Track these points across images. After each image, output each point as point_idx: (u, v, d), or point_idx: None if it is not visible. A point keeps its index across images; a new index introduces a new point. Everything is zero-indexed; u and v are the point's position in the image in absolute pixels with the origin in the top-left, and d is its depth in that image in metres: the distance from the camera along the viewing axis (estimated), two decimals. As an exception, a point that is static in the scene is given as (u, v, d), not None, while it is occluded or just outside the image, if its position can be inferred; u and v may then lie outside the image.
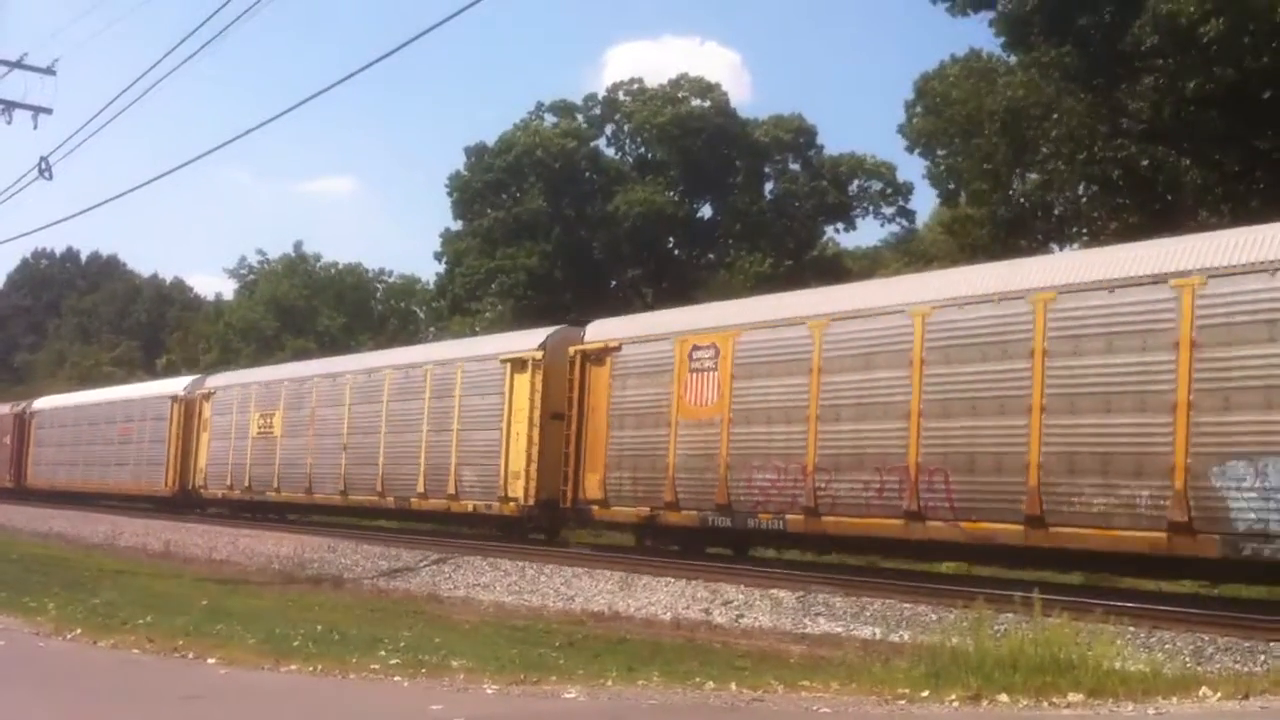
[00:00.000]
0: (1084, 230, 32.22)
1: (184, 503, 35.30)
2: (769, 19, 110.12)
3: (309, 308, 64.32)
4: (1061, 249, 32.43)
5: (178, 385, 37.91)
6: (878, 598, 15.24)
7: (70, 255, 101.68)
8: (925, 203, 71.28)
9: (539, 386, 23.23)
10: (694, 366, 19.82)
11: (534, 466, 22.98)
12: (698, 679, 10.13)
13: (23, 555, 24.85)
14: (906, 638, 13.25)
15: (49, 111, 26.03)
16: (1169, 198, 29.20)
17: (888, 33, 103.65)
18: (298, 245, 68.90)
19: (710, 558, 19.87)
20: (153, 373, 63.08)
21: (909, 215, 51.51)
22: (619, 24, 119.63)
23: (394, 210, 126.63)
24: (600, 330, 22.68)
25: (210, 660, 11.03)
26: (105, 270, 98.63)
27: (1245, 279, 13.45)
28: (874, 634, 14.08)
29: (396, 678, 10.26)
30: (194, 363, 63.41)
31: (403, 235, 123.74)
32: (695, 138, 48.67)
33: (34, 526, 35.83)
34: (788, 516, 18.01)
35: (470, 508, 24.61)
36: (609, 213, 47.94)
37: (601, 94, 52.39)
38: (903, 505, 16.41)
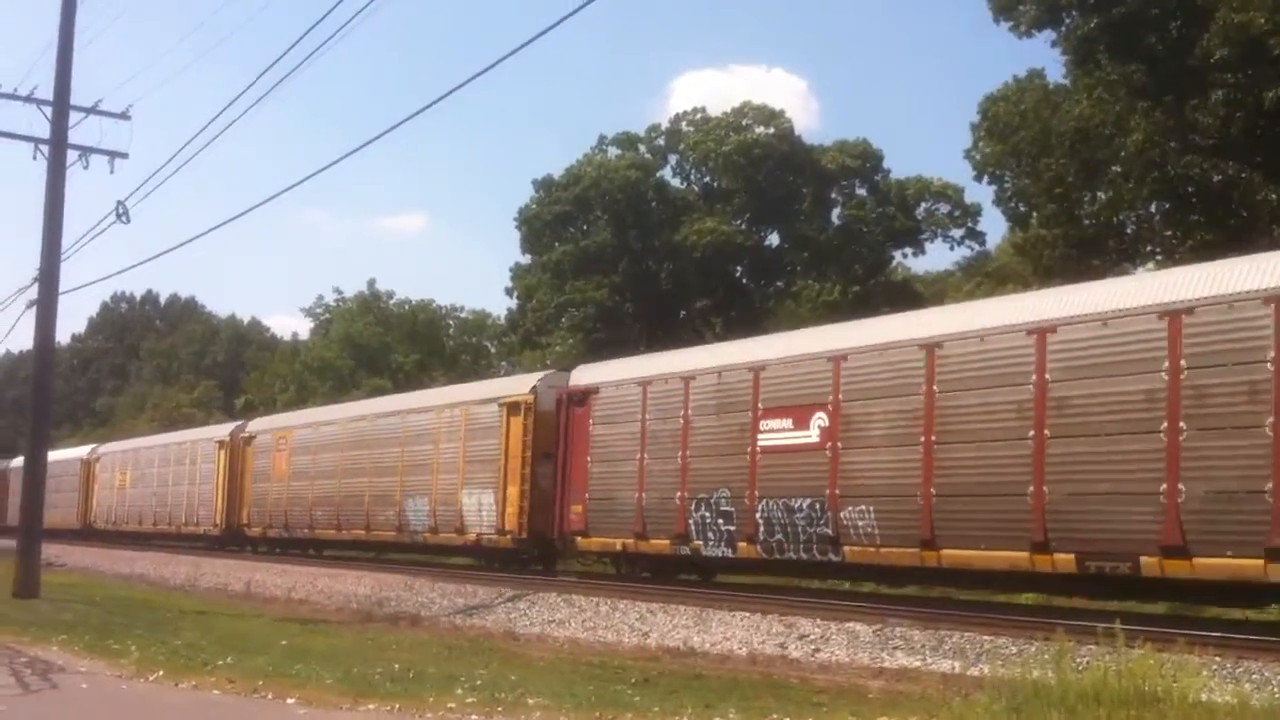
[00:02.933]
0: (1157, 249, 31.82)
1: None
2: (834, 45, 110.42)
3: (382, 345, 64.98)
4: (1135, 268, 32.04)
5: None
6: (956, 630, 15.05)
7: (149, 298, 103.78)
8: (994, 224, 70.88)
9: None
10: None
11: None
12: (775, 715, 10.05)
13: (106, 598, 25.19)
14: (986, 671, 13.04)
15: (125, 156, 26.46)
16: (1243, 214, 28.76)
17: (952, 54, 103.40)
18: (371, 283, 69.78)
19: (781, 590, 20.41)
20: (231, 413, 64.04)
21: (978, 237, 51.17)
22: (685, 53, 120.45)
23: (465, 245, 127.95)
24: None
25: (289, 700, 11.12)
26: (184, 312, 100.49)
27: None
28: (953, 667, 13.87)
29: (474, 716, 10.28)
30: (271, 402, 64.24)
31: (474, 270, 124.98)
32: (760, 166, 48.69)
33: (117, 569, 36.37)
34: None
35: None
36: (676, 243, 48.04)
37: (665, 124, 52.64)
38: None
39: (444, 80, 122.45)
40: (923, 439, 17.13)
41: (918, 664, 14.28)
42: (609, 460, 22.91)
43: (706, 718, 10.04)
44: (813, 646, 15.81)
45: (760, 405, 19.77)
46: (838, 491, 18.31)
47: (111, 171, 26.60)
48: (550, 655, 16.86)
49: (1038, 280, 31.98)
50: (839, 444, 18.39)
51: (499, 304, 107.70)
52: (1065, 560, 15.43)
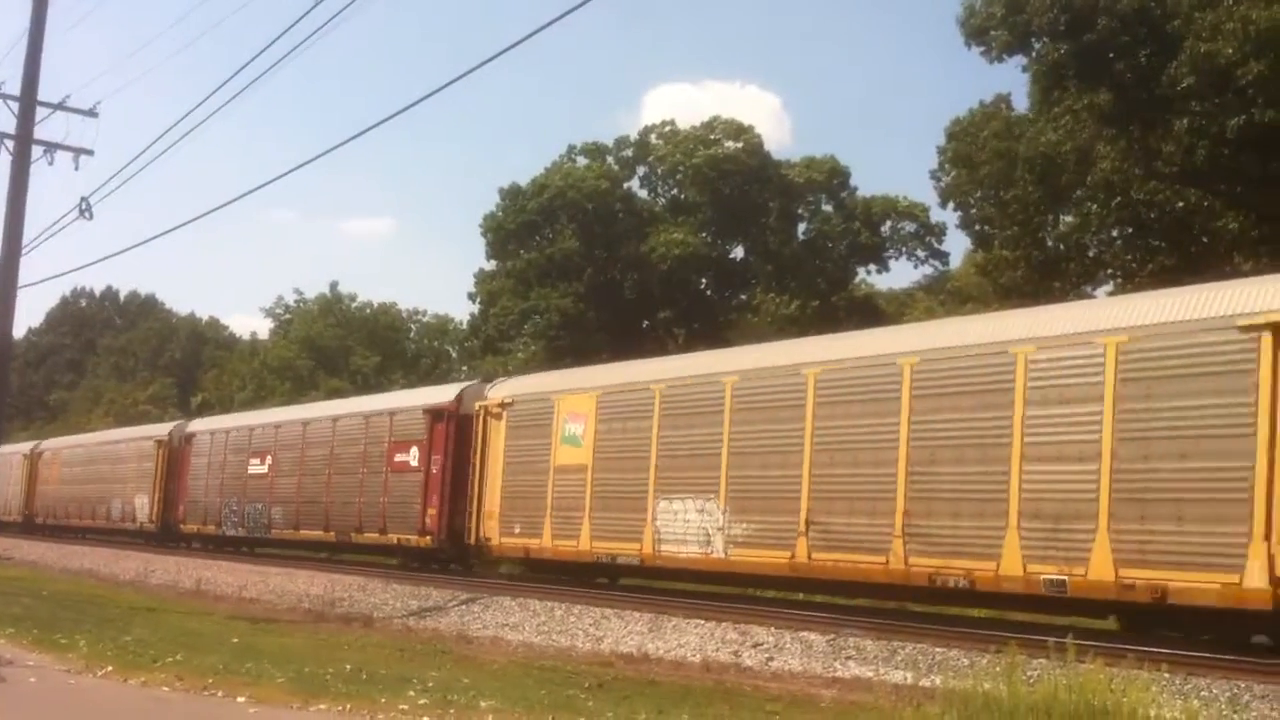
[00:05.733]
0: (1117, 273, 32.14)
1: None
2: (808, 62, 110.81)
3: (343, 347, 64.69)
4: (1095, 291, 32.36)
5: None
6: (909, 641, 15.11)
7: (109, 294, 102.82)
8: (958, 242, 71.29)
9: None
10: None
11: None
12: (727, 722, 10.05)
13: (54, 592, 24.93)
14: (938, 682, 13.08)
15: (90, 153, 26.30)
16: (1204, 240, 29.09)
17: (924, 74, 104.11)
18: (333, 285, 69.48)
19: (737, 599, 20.87)
20: (187, 411, 63.54)
21: (942, 257, 51.47)
22: (659, 67, 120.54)
23: (431, 250, 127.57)
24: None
25: (239, 699, 11.04)
26: (143, 309, 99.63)
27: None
28: (905, 678, 13.92)
29: (425, 718, 10.23)
30: (228, 401, 63.79)
31: (439, 275, 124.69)
32: (728, 179, 48.82)
33: (65, 563, 35.99)
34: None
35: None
36: (642, 254, 48.09)
37: (634, 136, 52.71)
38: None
39: (417, 85, 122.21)
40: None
41: (870, 674, 14.32)
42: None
43: (659, 723, 10.03)
44: (767, 655, 15.84)
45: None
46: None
47: (77, 168, 26.45)
48: (503, 659, 16.82)
49: (998, 300, 32.24)
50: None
51: (463, 309, 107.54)
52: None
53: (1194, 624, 14.65)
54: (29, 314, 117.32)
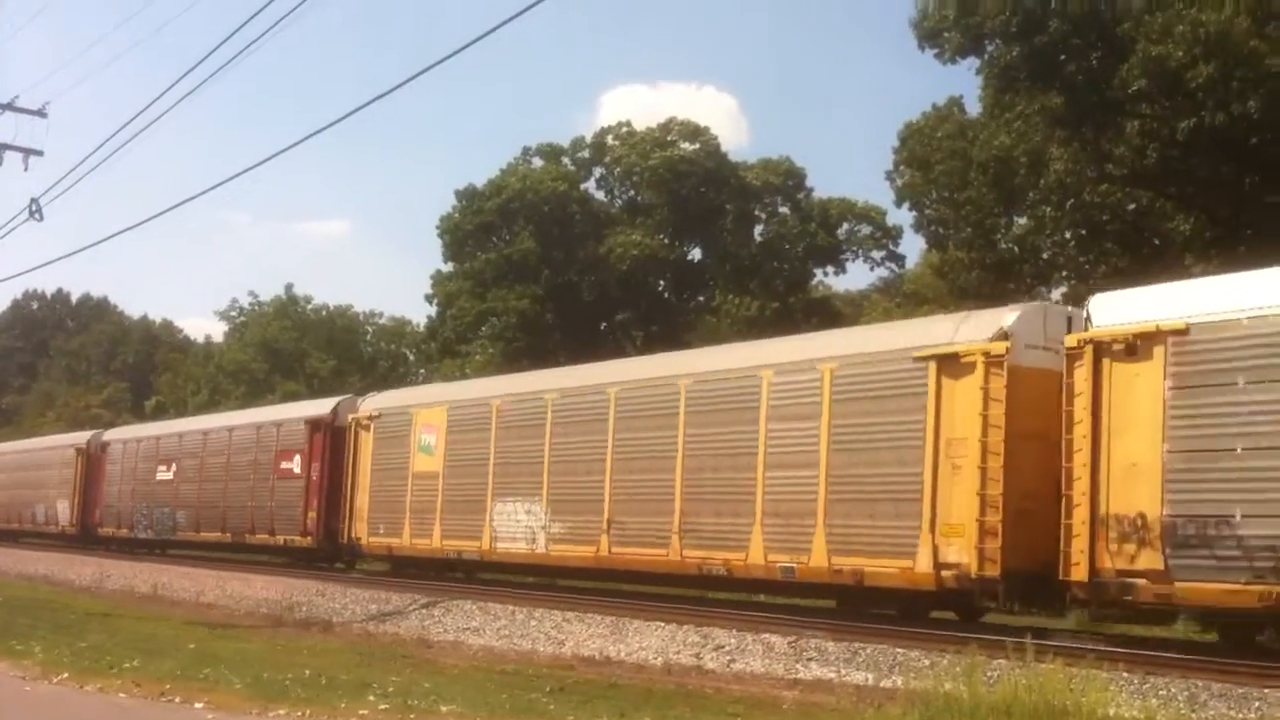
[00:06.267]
0: (1071, 275, 32.42)
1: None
2: (765, 64, 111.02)
3: (298, 350, 64.24)
4: (1050, 293, 32.63)
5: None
6: (870, 642, 15.18)
7: (60, 297, 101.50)
8: (914, 244, 71.67)
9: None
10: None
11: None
12: (690, 725, 10.06)
13: (8, 598, 24.67)
14: (899, 683, 13.17)
15: (40, 153, 26.09)
16: (1155, 242, 29.39)
17: (879, 75, 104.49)
18: (288, 288, 68.96)
19: (701, 602, 21.06)
20: (141, 415, 62.88)
21: (899, 259, 51.65)
22: (615, 69, 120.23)
23: (387, 253, 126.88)
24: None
25: (197, 705, 10.98)
26: (95, 312, 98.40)
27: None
28: (866, 679, 14.00)
29: (386, 723, 10.19)
30: (183, 404, 63.18)
31: (395, 278, 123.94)
32: (684, 181, 48.80)
33: (20, 568, 35.60)
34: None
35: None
36: (599, 255, 48.02)
37: (589, 137, 52.63)
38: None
39: (371, 86, 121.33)
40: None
41: (832, 675, 14.39)
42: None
43: (622, 726, 10.03)
44: (728, 657, 15.88)
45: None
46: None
47: (26, 169, 26.19)
48: (464, 663, 16.79)
49: (954, 301, 32.46)
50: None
51: (419, 311, 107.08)
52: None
53: (887, 602, 17.33)
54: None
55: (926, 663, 13.88)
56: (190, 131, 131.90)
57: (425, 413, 26.22)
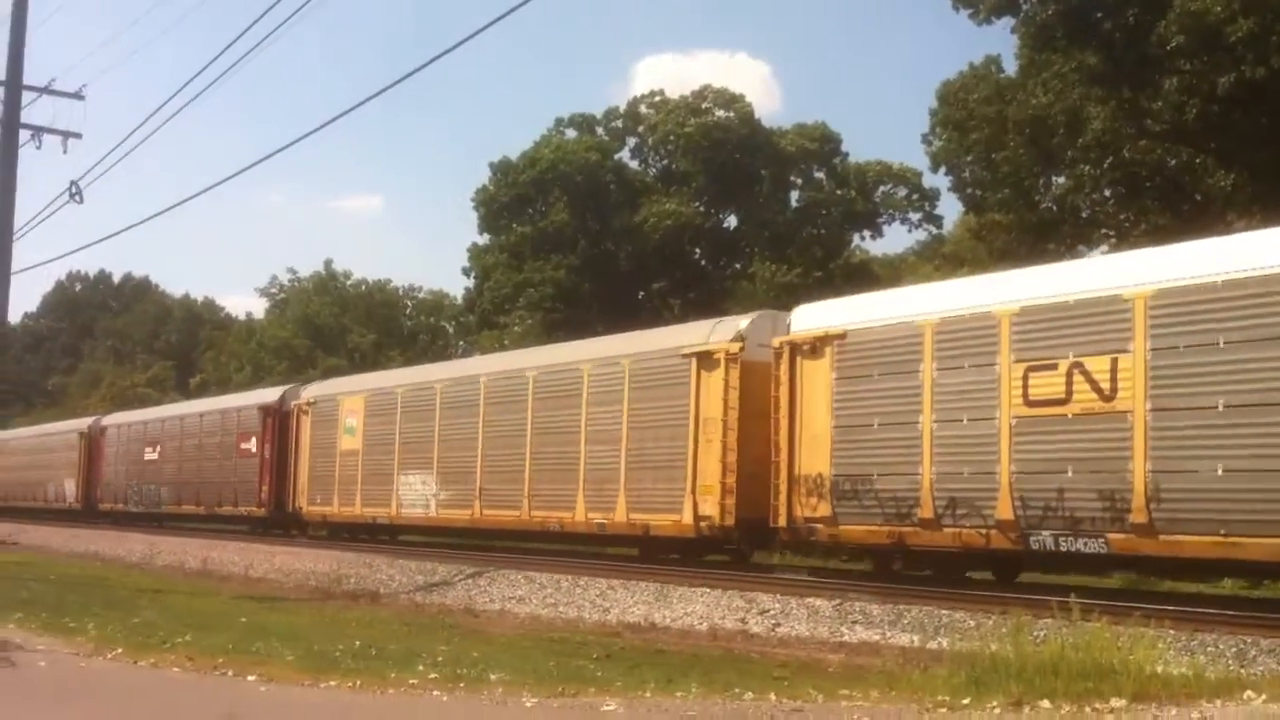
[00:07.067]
0: (1112, 233, 32.10)
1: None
2: (797, 29, 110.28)
3: (339, 326, 64.57)
4: (1090, 251, 32.33)
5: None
6: (915, 604, 15.20)
7: (103, 278, 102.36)
8: (952, 206, 71.10)
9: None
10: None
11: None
12: (736, 690, 10.12)
13: (60, 576, 24.99)
14: (945, 644, 13.18)
15: (78, 136, 26.17)
16: (1197, 199, 29.03)
17: (913, 38, 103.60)
18: (328, 263, 69.28)
19: (749, 567, 21.18)
20: (186, 393, 63.41)
21: (936, 221, 51.36)
22: (647, 38, 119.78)
23: (424, 226, 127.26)
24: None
25: (250, 678, 11.09)
26: (138, 292, 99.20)
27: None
28: (912, 641, 14.02)
29: (435, 692, 10.29)
30: (226, 381, 63.66)
31: (432, 251, 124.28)
32: (719, 148, 48.62)
33: (71, 547, 36.10)
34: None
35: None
36: (634, 225, 47.94)
37: (623, 107, 52.49)
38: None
39: (403, 61, 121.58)
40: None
41: (877, 638, 14.42)
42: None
43: (669, 692, 10.09)
44: (773, 621, 15.93)
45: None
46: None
47: (65, 151, 26.31)
48: (511, 631, 16.92)
49: (993, 263, 32.23)
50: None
51: (457, 285, 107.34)
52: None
53: (669, 548, 21.54)
54: (24, 299, 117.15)
55: (972, 624, 13.88)
56: (227, 110, 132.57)
57: (349, 400, 30.40)
